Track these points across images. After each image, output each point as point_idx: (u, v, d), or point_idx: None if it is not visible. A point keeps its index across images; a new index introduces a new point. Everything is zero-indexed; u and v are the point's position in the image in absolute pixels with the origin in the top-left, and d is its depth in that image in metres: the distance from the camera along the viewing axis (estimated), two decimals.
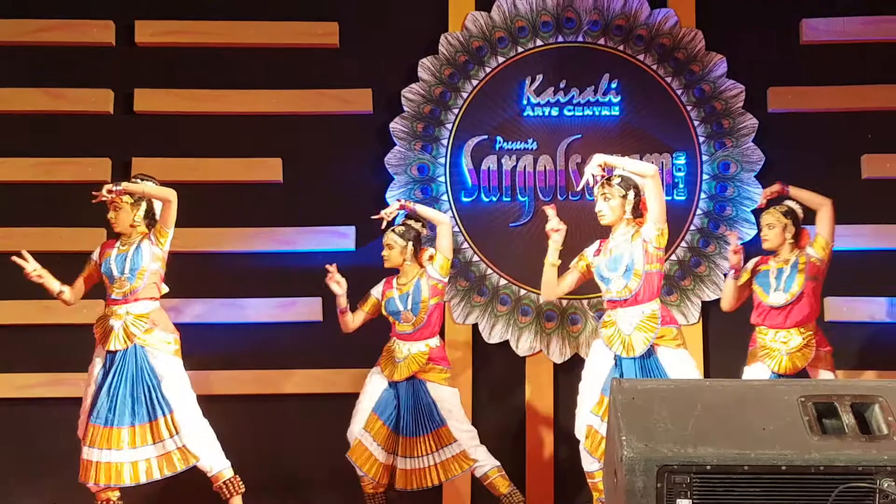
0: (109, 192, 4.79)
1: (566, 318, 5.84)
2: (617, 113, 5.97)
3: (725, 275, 5.20)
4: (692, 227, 5.90)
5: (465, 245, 5.90)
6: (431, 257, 5.10)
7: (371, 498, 5.12)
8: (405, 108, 5.96)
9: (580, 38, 6.02)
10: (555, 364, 5.83)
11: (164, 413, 4.72)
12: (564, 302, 5.77)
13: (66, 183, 5.79)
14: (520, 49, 6.01)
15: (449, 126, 5.96)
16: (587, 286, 5.00)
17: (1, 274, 5.30)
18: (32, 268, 4.79)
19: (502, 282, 5.88)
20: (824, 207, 4.91)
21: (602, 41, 6.01)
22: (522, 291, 5.86)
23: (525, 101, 5.97)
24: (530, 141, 5.96)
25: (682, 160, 5.91)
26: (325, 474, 5.68)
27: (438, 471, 5.02)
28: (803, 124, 5.95)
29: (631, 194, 4.69)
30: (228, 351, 5.79)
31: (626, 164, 4.68)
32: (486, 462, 5.08)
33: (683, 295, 5.84)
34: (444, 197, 5.92)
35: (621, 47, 6.00)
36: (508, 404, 5.85)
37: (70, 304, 4.95)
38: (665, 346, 4.64)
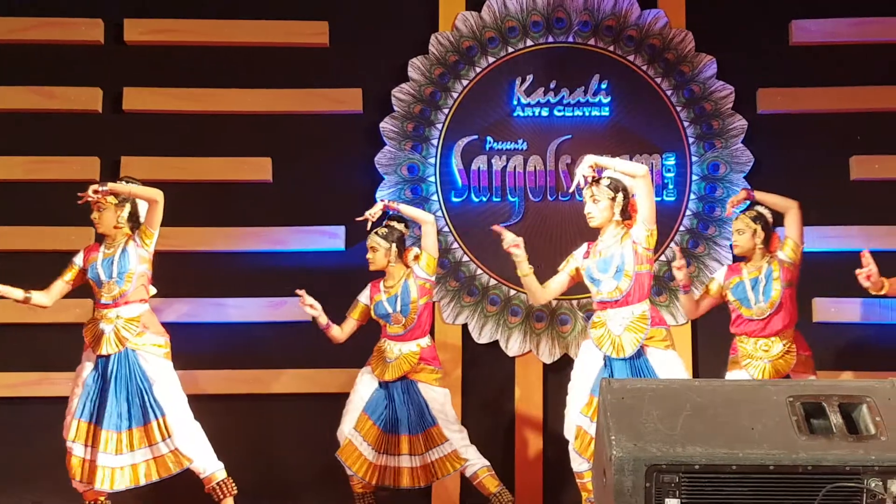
0: (95, 192, 4.77)
1: (556, 318, 5.84)
2: (607, 114, 5.97)
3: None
4: (681, 228, 5.91)
5: (455, 245, 5.90)
6: (417, 257, 5.09)
7: (360, 498, 5.11)
8: (395, 108, 5.95)
9: (570, 39, 6.02)
10: (544, 364, 5.83)
11: (156, 416, 4.71)
12: (554, 302, 5.76)
13: (55, 181, 5.77)
14: (510, 49, 6.01)
15: (439, 126, 5.96)
16: (576, 287, 5.00)
17: None
18: None
19: (492, 282, 5.88)
20: (792, 210, 4.88)
21: (592, 41, 6.01)
22: (512, 292, 5.86)
23: (515, 102, 5.97)
24: (520, 141, 5.96)
25: (671, 161, 5.92)
26: (314, 474, 5.67)
27: (429, 470, 5.02)
28: (792, 125, 5.96)
29: (619, 196, 4.69)
30: (218, 351, 5.77)
31: (617, 165, 4.69)
32: (475, 461, 5.08)
33: (673, 296, 5.84)
34: (434, 197, 5.92)
35: (611, 48, 6.01)
36: (498, 404, 5.85)
37: (45, 308, 4.90)
38: (654, 346, 4.65)
